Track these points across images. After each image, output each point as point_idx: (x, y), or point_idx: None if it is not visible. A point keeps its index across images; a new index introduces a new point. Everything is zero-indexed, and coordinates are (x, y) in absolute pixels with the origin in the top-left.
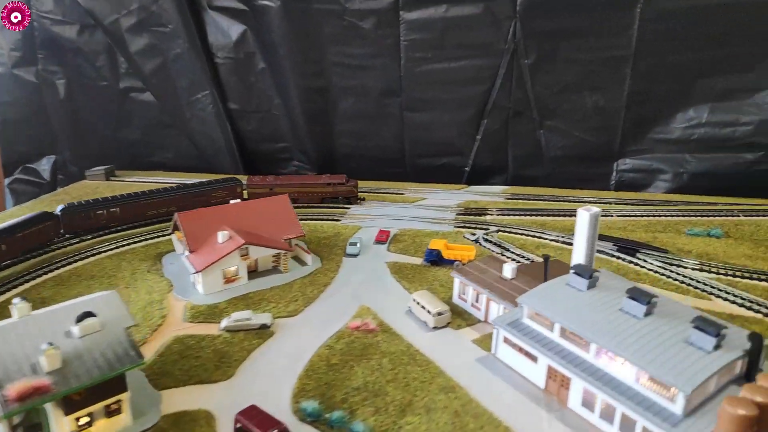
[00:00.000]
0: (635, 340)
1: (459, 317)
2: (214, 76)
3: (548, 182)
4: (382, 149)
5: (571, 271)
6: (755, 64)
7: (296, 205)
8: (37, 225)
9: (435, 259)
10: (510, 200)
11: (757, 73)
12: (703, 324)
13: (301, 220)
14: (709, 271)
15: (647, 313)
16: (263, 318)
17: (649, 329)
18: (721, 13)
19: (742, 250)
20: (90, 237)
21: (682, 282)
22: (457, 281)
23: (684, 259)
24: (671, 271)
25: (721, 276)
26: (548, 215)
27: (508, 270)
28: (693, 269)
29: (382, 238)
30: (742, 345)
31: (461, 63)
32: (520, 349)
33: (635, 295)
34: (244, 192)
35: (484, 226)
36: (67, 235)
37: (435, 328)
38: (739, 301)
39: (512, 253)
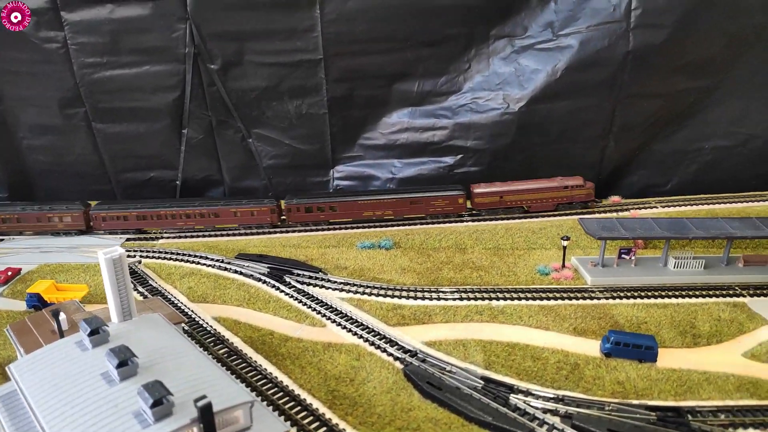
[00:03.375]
0: (76, 419)
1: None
2: None
3: (267, 194)
4: (81, 165)
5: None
6: (446, 67)
7: (528, 214)
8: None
9: (37, 304)
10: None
11: (448, 76)
12: (145, 393)
13: None
14: (348, 291)
15: (126, 377)
16: None
17: (110, 399)
18: (404, 16)
19: (401, 262)
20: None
21: (309, 307)
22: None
23: (332, 279)
24: (303, 295)
25: (357, 296)
26: (227, 234)
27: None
28: (334, 290)
29: (0, 279)
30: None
31: (143, 69)
32: None
33: (110, 356)
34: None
35: (148, 254)
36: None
37: None
38: (349, 326)
39: (145, 287)
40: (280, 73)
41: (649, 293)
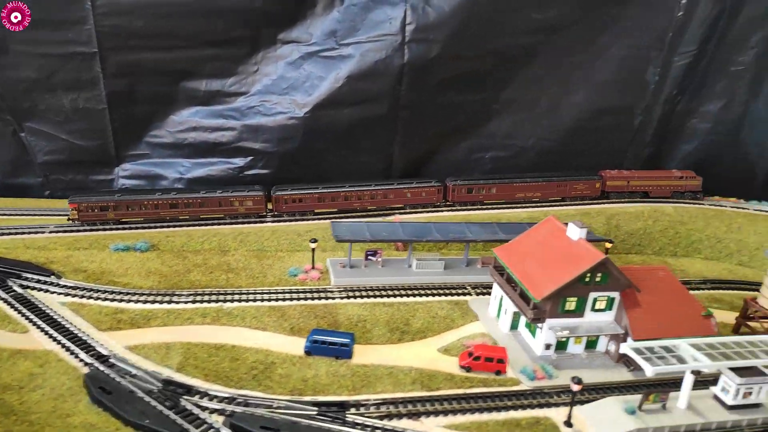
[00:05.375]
0: None
1: None
2: None
3: (44, 191)
4: None
5: None
6: (234, 68)
7: (649, 199)
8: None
9: None
10: None
11: (236, 78)
12: None
13: None
14: (74, 295)
15: None
16: None
17: None
18: (186, 14)
19: (152, 264)
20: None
21: (18, 312)
22: None
23: (62, 282)
24: (18, 300)
25: (81, 300)
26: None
27: None
28: (59, 294)
29: None
30: None
31: None
32: None
33: None
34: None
35: None
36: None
37: None
38: (51, 332)
39: None
40: (52, 64)
41: (382, 293)
